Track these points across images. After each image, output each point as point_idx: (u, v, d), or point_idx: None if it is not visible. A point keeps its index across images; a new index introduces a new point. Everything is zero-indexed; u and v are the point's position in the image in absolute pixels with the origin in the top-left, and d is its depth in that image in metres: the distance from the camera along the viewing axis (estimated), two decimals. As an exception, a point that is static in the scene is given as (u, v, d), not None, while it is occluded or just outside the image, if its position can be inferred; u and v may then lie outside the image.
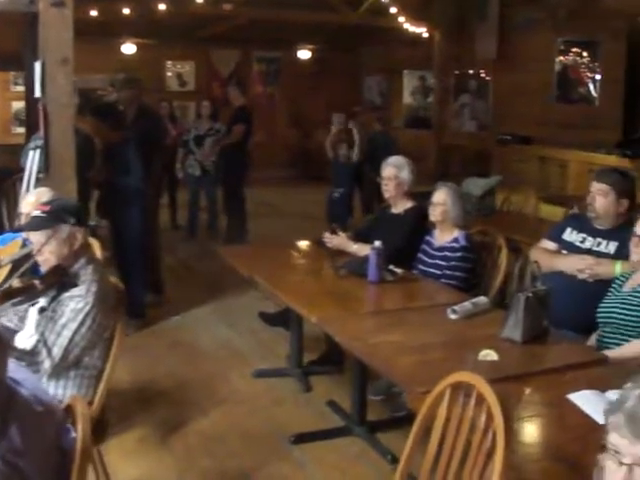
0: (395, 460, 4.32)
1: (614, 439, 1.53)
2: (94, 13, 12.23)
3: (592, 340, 4.27)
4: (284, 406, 5.47)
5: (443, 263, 5.22)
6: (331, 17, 14.04)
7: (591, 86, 13.42)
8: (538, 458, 2.78)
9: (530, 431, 3.03)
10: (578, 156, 11.16)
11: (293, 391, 5.71)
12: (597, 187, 4.72)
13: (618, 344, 4.01)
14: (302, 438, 4.88)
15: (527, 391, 3.41)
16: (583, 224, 4.84)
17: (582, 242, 4.78)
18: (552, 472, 2.64)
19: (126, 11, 12.19)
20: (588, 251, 4.70)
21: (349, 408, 5.14)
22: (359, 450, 4.82)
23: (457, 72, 15.02)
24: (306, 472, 4.58)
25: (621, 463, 1.51)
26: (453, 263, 5.18)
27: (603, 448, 1.57)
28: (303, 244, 6.12)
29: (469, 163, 13.37)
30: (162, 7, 11.80)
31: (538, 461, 2.75)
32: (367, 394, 5.10)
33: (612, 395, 2.66)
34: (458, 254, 5.19)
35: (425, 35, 14.12)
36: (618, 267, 4.43)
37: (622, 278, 4.25)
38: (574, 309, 4.42)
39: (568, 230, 4.90)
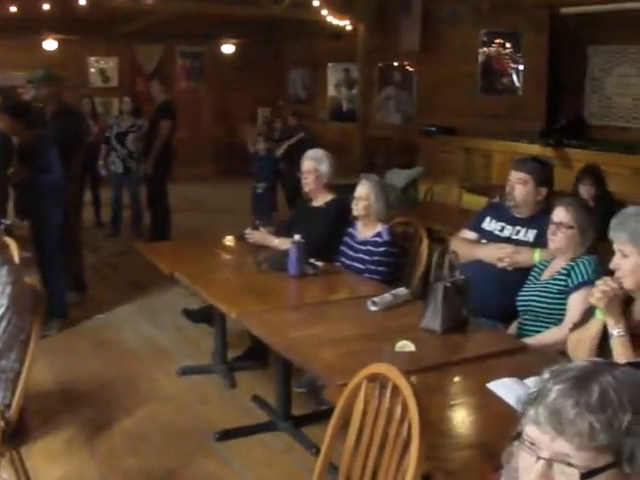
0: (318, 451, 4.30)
1: (532, 432, 1.50)
2: (13, 9, 11.97)
3: (512, 328, 4.30)
4: (209, 403, 5.41)
5: (366, 257, 5.18)
6: (254, 11, 13.92)
7: (514, 77, 13.57)
8: (457, 447, 2.78)
9: (449, 420, 3.02)
10: (502, 146, 11.27)
11: (218, 387, 5.66)
12: (516, 176, 4.74)
13: (538, 331, 4.05)
14: (227, 434, 4.84)
15: (446, 381, 3.40)
16: (502, 213, 4.86)
17: (501, 231, 4.81)
18: (471, 460, 2.64)
19: (46, 7, 11.95)
20: (507, 239, 4.73)
21: (274, 403, 5.10)
22: (285, 444, 4.80)
23: (381, 64, 15.04)
24: (232, 468, 4.54)
25: (539, 457, 1.48)
26: (376, 258, 5.14)
27: (517, 436, 1.55)
28: (225, 240, 6.06)
29: (394, 155, 13.41)
30: (82, 2, 11.58)
31: (457, 450, 2.75)
32: (292, 387, 5.07)
33: (531, 382, 2.65)
34: (381, 249, 5.16)
35: (349, 28, 14.09)
36: (537, 255, 4.47)
37: (541, 266, 4.29)
38: (494, 298, 4.45)
39: (487, 219, 4.92)
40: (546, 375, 1.54)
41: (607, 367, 1.53)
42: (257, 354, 5.81)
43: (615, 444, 1.44)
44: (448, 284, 3.85)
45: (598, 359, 1.59)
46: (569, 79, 13.97)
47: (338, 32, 14.30)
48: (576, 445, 1.44)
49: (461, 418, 3.08)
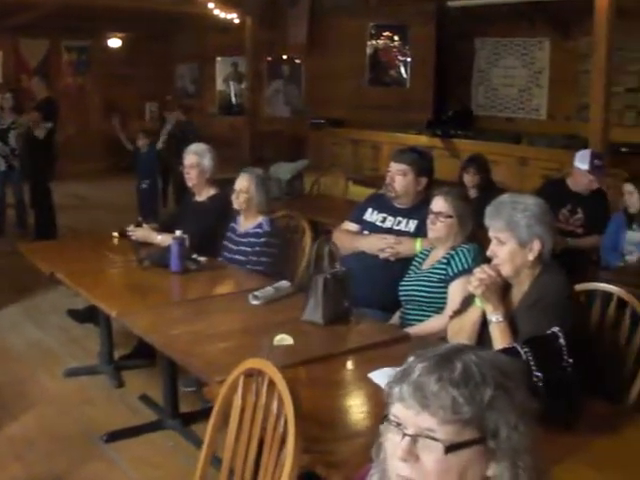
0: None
1: (398, 410, 1.50)
2: None
3: (395, 318, 4.33)
4: (96, 404, 5.30)
5: (248, 249, 5.16)
6: (141, 4, 13.72)
7: (402, 69, 13.70)
8: (339, 439, 2.76)
9: (331, 412, 3.00)
10: (391, 137, 11.37)
11: (105, 388, 5.55)
12: (396, 167, 4.76)
13: (420, 320, 4.09)
14: (115, 436, 4.74)
15: (328, 372, 3.39)
16: (383, 204, 4.88)
17: (383, 222, 4.82)
18: (353, 451, 2.63)
19: None
20: (389, 230, 4.74)
21: (162, 401, 5.03)
22: (174, 443, 4.74)
23: (270, 58, 15.01)
24: (121, 470, 4.45)
25: (404, 434, 1.48)
26: (257, 249, 5.12)
27: (384, 419, 1.54)
28: (109, 237, 5.95)
29: (284, 148, 13.40)
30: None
31: (339, 441, 2.74)
32: (179, 386, 5.01)
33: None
34: (262, 239, 5.14)
35: (236, 21, 14.01)
36: (418, 245, 4.49)
37: (422, 255, 4.32)
38: (378, 288, 4.47)
39: (369, 210, 4.93)
40: (411, 357, 1.55)
41: (470, 348, 1.57)
42: (144, 352, 5.70)
43: (478, 418, 1.46)
44: (328, 276, 3.84)
45: (462, 343, 1.60)
46: (456, 71, 14.17)
47: (226, 25, 14.20)
48: (440, 418, 1.45)
49: (343, 409, 3.08)
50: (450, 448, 1.45)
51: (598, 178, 6.23)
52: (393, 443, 1.52)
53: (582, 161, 6.21)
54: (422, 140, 11.24)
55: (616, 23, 9.28)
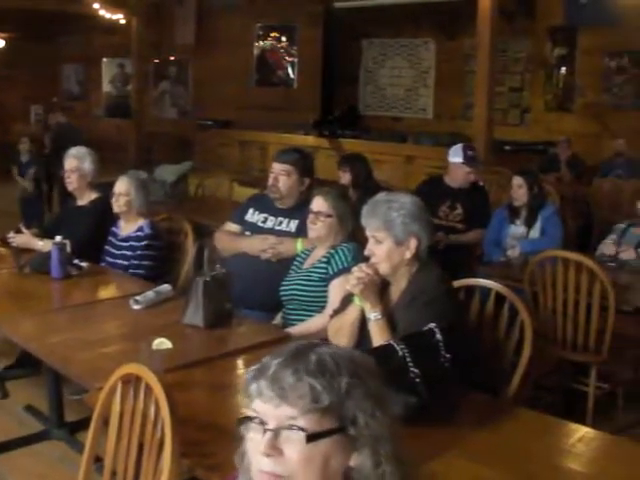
0: (97, 459, 4.17)
1: (257, 406, 1.51)
2: None
3: (278, 318, 4.33)
4: (-21, 416, 5.17)
5: (129, 253, 5.09)
6: (24, 3, 13.45)
7: (289, 69, 13.74)
8: (220, 441, 2.73)
9: (212, 415, 2.98)
10: (278, 138, 11.38)
11: (-12, 399, 5.41)
12: (279, 168, 4.76)
13: (302, 320, 4.09)
14: (0, 448, 4.62)
15: (209, 375, 3.38)
16: (265, 204, 4.87)
17: (264, 222, 4.81)
18: (231, 452, 2.59)
19: None
20: (270, 231, 4.73)
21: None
22: (60, 453, 4.64)
23: (157, 59, 14.88)
24: (6, 483, 4.36)
25: (266, 430, 1.49)
26: (139, 252, 5.05)
27: (243, 420, 1.54)
28: (-12, 244, 5.80)
29: (171, 150, 13.30)
30: None
31: (220, 444, 2.70)
32: (65, 394, 4.91)
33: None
34: (143, 243, 5.07)
35: (123, 21, 13.85)
36: (299, 245, 4.50)
37: (303, 255, 4.33)
38: (260, 289, 4.46)
39: (250, 211, 4.91)
40: (267, 357, 1.56)
41: (325, 343, 1.61)
42: (28, 362, 5.57)
43: (337, 406, 1.49)
44: (208, 278, 3.82)
45: (316, 341, 1.62)
46: (344, 71, 14.28)
47: (112, 26, 14.03)
48: (300, 409, 1.47)
49: (223, 412, 3.06)
50: (312, 437, 1.47)
51: (474, 168, 6.37)
52: (255, 441, 1.52)
53: (455, 155, 6.34)
54: (309, 140, 11.30)
55: (500, 25, 9.48)
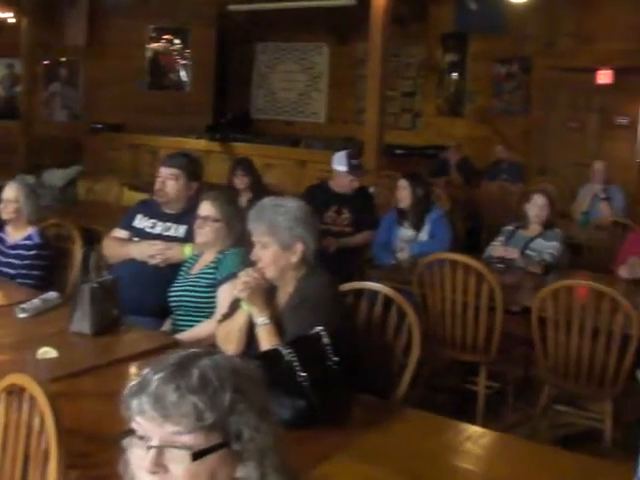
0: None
1: (140, 423, 1.48)
2: None
3: (167, 325, 4.29)
4: None
5: (17, 262, 4.93)
6: None
7: (182, 72, 13.63)
8: (105, 450, 2.67)
9: (99, 424, 2.92)
10: (170, 142, 11.31)
11: None
12: (167, 172, 4.72)
13: (191, 326, 4.07)
14: None
15: (97, 384, 3.31)
16: (153, 209, 4.82)
17: (152, 227, 4.76)
18: (113, 463, 2.56)
19: None
20: (159, 236, 4.68)
21: None
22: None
23: (47, 60, 14.56)
24: None
25: (149, 447, 1.46)
26: (28, 262, 4.91)
27: (126, 434, 1.51)
28: None
29: (61, 154, 13.03)
30: None
31: (106, 453, 2.65)
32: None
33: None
34: (32, 252, 4.93)
35: (12, 21, 13.50)
36: (188, 250, 4.47)
37: (191, 260, 4.30)
38: (149, 295, 4.40)
39: (139, 217, 4.85)
40: (147, 369, 1.53)
41: (207, 353, 1.57)
42: None
43: (221, 423, 1.47)
44: (95, 285, 3.75)
45: (198, 349, 1.60)
46: (237, 75, 14.28)
47: (1, 25, 13.67)
48: (184, 427, 1.45)
49: (110, 421, 2.99)
50: (197, 455, 1.45)
51: (357, 177, 6.43)
52: (139, 456, 1.50)
53: (340, 163, 6.40)
54: (201, 144, 11.25)
55: (393, 30, 9.57)
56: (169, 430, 1.46)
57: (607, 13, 10.80)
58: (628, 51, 10.56)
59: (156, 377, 1.49)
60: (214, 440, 1.47)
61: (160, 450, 1.46)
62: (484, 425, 4.22)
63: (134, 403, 1.50)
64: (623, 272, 5.52)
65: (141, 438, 1.49)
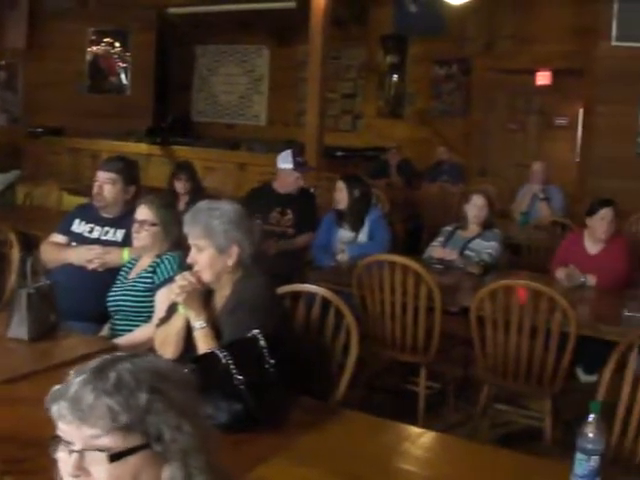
0: None
1: (62, 428, 1.51)
2: None
3: (105, 330, 4.26)
4: None
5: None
6: None
7: (122, 75, 13.53)
8: (41, 455, 2.62)
9: (33, 430, 2.84)
10: (110, 146, 11.21)
11: None
12: (105, 176, 4.70)
13: (129, 330, 4.05)
14: None
15: (34, 390, 3.25)
16: (91, 214, 4.80)
17: (90, 232, 4.73)
18: (50, 469, 2.54)
19: None
20: (96, 241, 4.66)
21: None
22: None
23: (-16, 64, 14.38)
24: None
25: (71, 451, 1.48)
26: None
27: (53, 440, 1.51)
28: None
29: (1, 158, 12.86)
30: None
31: (41, 458, 2.60)
32: None
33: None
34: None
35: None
36: (126, 254, 4.45)
37: (129, 265, 4.28)
38: (89, 300, 4.37)
39: (77, 221, 4.82)
40: (71, 374, 1.55)
41: (127, 356, 1.58)
42: None
43: (138, 423, 1.48)
44: (32, 290, 3.71)
45: (120, 353, 1.60)
46: (177, 78, 14.23)
47: None
48: (101, 429, 1.46)
49: (49, 427, 2.96)
50: (115, 457, 1.47)
51: (303, 174, 6.45)
52: (64, 461, 1.51)
53: (285, 161, 6.42)
54: (142, 148, 11.19)
55: (333, 32, 9.59)
56: (87, 433, 1.47)
57: (545, 15, 10.94)
58: (566, 52, 10.70)
59: (76, 381, 1.51)
60: (134, 441, 1.49)
61: (81, 454, 1.48)
62: (425, 425, 4.25)
63: (54, 408, 1.52)
64: (561, 275, 5.59)
65: (67, 443, 1.50)
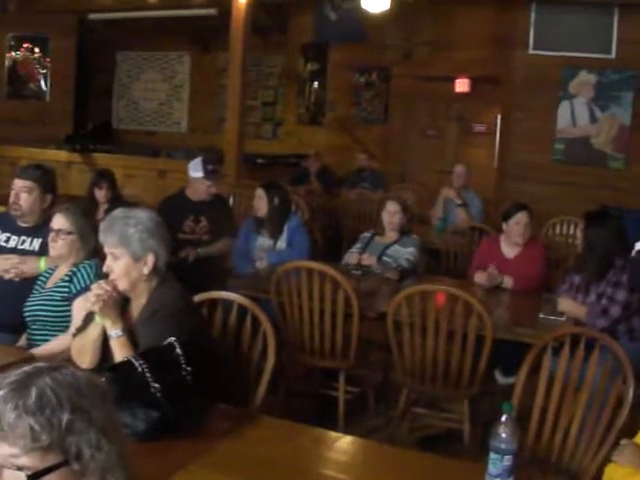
0: None
1: None
2: None
3: (23, 340, 4.21)
4: None
5: None
6: None
7: (42, 82, 13.36)
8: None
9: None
10: (29, 153, 11.06)
11: None
12: (21, 184, 4.64)
13: (46, 340, 4.00)
14: None
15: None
16: (7, 223, 4.72)
17: (7, 241, 4.66)
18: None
19: None
20: (13, 250, 4.59)
21: None
22: None
23: None
24: None
25: None
26: None
27: None
28: None
29: None
30: None
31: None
32: None
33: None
34: None
35: None
36: (42, 263, 4.40)
37: (46, 274, 4.24)
38: (5, 310, 4.31)
39: (-6, 230, 4.76)
40: None
41: (48, 370, 1.55)
42: None
43: (59, 443, 1.47)
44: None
45: (42, 364, 1.59)
46: (98, 84, 14.11)
47: None
48: (21, 448, 1.45)
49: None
50: (33, 476, 1.46)
51: (214, 182, 6.43)
52: None
53: (196, 170, 6.38)
54: (62, 155, 11.06)
55: (254, 39, 9.61)
56: (6, 452, 1.46)
57: (464, 23, 11.11)
58: (485, 60, 10.89)
59: None
60: (53, 460, 1.48)
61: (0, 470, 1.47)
62: (346, 430, 4.30)
63: None
64: (481, 279, 5.69)
65: None
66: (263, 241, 6.27)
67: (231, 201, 8.56)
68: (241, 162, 9.49)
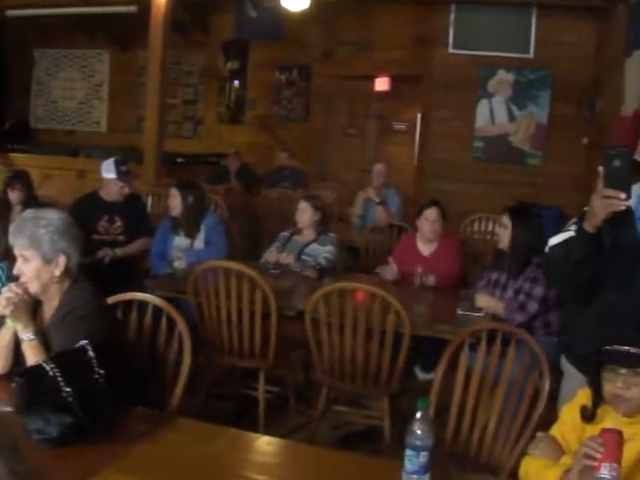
0: None
1: None
2: None
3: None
4: None
5: None
6: None
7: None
8: None
9: None
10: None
11: None
12: None
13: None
14: None
15: None
16: None
17: None
18: None
19: None
20: None
21: None
22: None
23: None
24: None
25: None
26: None
27: None
28: None
29: None
30: None
31: None
32: None
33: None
34: None
35: None
36: None
37: None
38: None
39: None
40: None
41: None
42: None
43: None
44: None
45: None
46: (16, 83, 13.85)
47: None
48: None
49: None
50: None
51: (127, 183, 6.39)
52: None
53: (108, 171, 6.35)
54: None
55: (174, 37, 9.55)
56: None
57: (385, 23, 11.17)
58: (405, 59, 10.98)
59: None
60: None
61: None
62: (266, 430, 4.29)
63: None
64: (386, 274, 5.77)
65: None
66: (180, 241, 6.24)
67: (150, 201, 8.52)
68: (160, 161, 9.42)
